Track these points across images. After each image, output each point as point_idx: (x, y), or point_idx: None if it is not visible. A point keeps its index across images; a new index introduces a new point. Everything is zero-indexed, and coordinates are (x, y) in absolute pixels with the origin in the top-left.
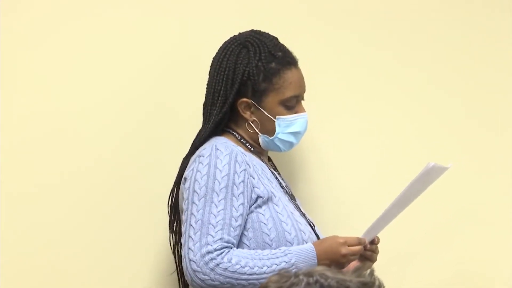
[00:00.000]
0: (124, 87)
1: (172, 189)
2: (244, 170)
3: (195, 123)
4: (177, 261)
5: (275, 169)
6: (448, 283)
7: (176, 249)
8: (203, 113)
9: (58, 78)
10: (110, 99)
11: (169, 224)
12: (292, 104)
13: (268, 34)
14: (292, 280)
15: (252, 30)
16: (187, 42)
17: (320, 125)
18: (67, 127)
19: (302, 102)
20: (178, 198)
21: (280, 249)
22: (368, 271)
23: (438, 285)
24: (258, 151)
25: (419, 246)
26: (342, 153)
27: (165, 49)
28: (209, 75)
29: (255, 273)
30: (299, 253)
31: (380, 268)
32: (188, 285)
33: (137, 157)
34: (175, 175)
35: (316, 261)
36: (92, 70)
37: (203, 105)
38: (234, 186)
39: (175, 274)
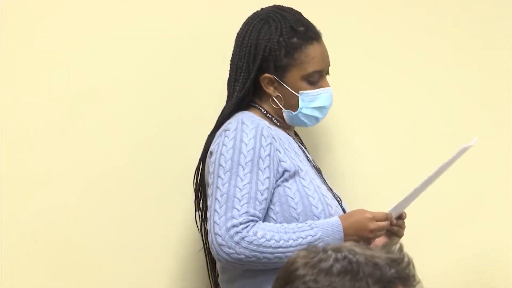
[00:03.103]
0: (143, 67)
1: (197, 165)
2: (270, 144)
3: (219, 101)
4: (204, 238)
5: (302, 143)
6: (459, 266)
7: (203, 226)
8: (227, 90)
9: (71, 69)
10: (131, 75)
11: (195, 201)
12: (315, 79)
13: (290, 8)
14: (320, 255)
15: (274, 5)
16: (210, 19)
17: (346, 100)
18: (80, 114)
19: (328, 76)
20: (203, 174)
21: (306, 223)
22: (397, 246)
23: (449, 268)
24: (284, 126)
25: (428, 232)
26: (369, 128)
27: (189, 26)
28: (233, 51)
29: (280, 247)
30: (325, 227)
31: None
32: (215, 262)
33: (159, 136)
34: (199, 153)
35: (343, 235)
36: (110, 49)
37: (227, 81)
38: (260, 160)
39: (202, 251)
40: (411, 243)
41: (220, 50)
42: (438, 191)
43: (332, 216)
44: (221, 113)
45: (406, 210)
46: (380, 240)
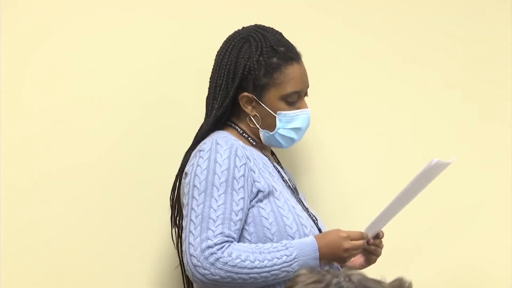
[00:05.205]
0: (126, 82)
1: (174, 183)
2: (244, 164)
3: (198, 117)
4: (180, 255)
5: (278, 163)
6: (450, 279)
7: (179, 243)
8: (206, 107)
9: (61, 74)
10: (112, 93)
11: (171, 218)
12: (293, 100)
13: (271, 29)
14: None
15: (255, 25)
16: (191, 37)
17: (324, 121)
18: (67, 123)
19: (306, 98)
20: (180, 192)
21: (281, 243)
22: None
23: (439, 282)
24: (260, 145)
25: (420, 243)
26: (346, 148)
27: (169, 43)
28: (212, 69)
29: (255, 267)
30: (301, 247)
31: (382, 264)
32: None
33: (138, 152)
34: (177, 170)
35: (318, 254)
36: (94, 65)
37: (206, 99)
38: (234, 180)
39: (179, 268)
40: (404, 254)
41: (203, 68)
42: (434, 201)
43: (307, 235)
44: (198, 130)
45: (400, 224)
46: (357, 259)
